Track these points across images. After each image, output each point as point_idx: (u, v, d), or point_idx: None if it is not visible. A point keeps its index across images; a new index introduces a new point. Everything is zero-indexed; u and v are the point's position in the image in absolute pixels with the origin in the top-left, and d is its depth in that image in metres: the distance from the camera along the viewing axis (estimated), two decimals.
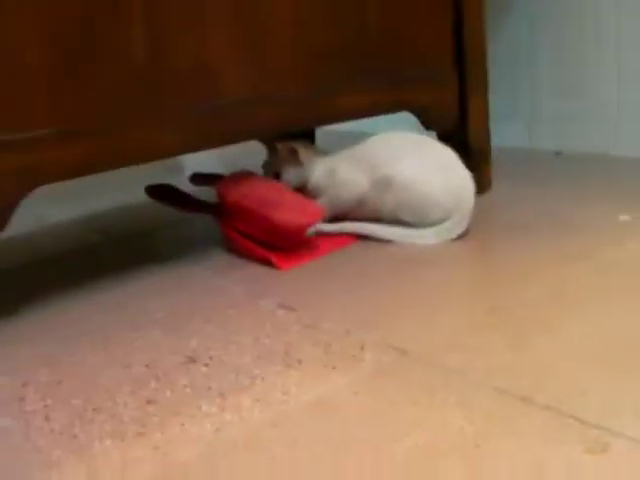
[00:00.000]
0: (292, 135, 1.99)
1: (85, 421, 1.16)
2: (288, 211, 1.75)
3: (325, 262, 1.75)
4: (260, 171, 1.99)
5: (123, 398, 1.21)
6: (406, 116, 2.09)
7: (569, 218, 1.88)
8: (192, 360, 1.32)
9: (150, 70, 1.65)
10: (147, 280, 1.74)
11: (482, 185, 2.00)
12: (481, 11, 2.21)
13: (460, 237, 1.79)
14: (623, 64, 2.43)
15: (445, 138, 2.05)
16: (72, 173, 1.59)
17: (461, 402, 1.10)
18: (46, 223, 2.43)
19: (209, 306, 1.55)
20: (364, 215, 1.87)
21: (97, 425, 1.14)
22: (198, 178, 2.06)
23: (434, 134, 2.12)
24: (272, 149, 1.98)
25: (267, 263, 1.74)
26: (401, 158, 1.84)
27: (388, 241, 1.80)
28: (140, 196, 2.02)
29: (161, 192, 2.01)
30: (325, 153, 1.96)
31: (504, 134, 2.55)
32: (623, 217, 1.82)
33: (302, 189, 1.90)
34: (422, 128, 2.11)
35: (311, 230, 1.80)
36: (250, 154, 2.43)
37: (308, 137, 2.19)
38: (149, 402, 1.19)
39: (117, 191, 2.66)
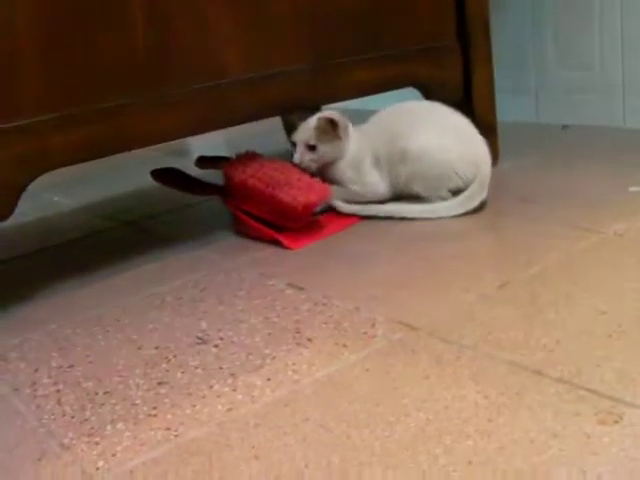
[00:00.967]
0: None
1: (97, 404, 1.16)
2: (295, 190, 1.75)
3: (333, 241, 1.75)
4: (266, 150, 1.98)
5: (135, 380, 1.22)
6: (409, 93, 2.08)
7: (578, 191, 1.87)
8: (203, 341, 1.32)
9: (151, 51, 1.64)
10: (156, 263, 1.74)
11: None
12: None
13: (471, 211, 1.78)
14: (628, 36, 2.41)
15: None
16: (76, 158, 1.59)
17: (473, 377, 1.09)
18: (57, 209, 2.43)
19: (219, 287, 1.55)
20: None
21: (109, 408, 1.15)
22: (204, 161, 2.05)
23: None
24: (302, 119, 1.91)
25: (276, 243, 1.73)
26: (415, 127, 1.84)
27: (402, 218, 1.80)
28: (147, 180, 2.01)
29: (167, 176, 2.01)
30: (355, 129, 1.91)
31: (510, 108, 2.55)
32: (633, 188, 1.81)
33: (329, 166, 1.87)
34: None
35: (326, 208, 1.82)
36: (255, 135, 2.43)
37: None
38: (160, 384, 1.19)
39: (124, 176, 2.66)
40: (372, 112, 1.95)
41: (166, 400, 1.14)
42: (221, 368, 1.21)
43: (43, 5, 1.50)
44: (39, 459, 1.05)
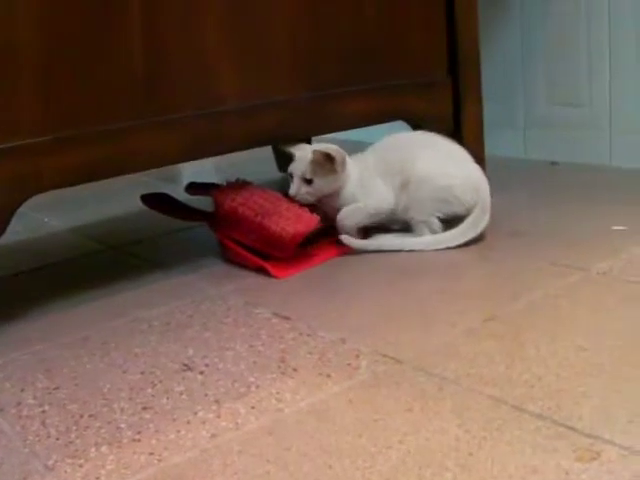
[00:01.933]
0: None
1: (81, 427, 1.17)
2: (283, 220, 1.76)
3: (320, 271, 1.76)
4: (255, 178, 2.00)
5: (120, 404, 1.22)
6: (398, 126, 2.10)
7: (563, 228, 1.89)
8: (188, 367, 1.32)
9: (149, 76, 1.66)
10: (144, 288, 1.75)
11: None
12: (475, 20, 2.22)
13: (456, 246, 1.80)
14: (616, 74, 2.44)
15: None
16: (69, 181, 1.60)
17: (455, 410, 1.11)
18: (47, 230, 2.43)
19: (205, 314, 1.56)
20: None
21: (93, 431, 1.15)
22: (194, 187, 2.06)
23: None
24: (298, 153, 1.88)
25: (262, 272, 1.75)
26: (417, 155, 1.85)
27: (389, 251, 1.82)
28: (137, 204, 2.02)
29: (157, 201, 2.02)
30: (351, 160, 1.90)
31: (499, 143, 2.57)
32: (617, 227, 1.83)
33: (329, 196, 1.86)
34: None
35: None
36: (245, 162, 2.45)
37: None
38: (145, 408, 1.20)
39: (114, 200, 2.67)
40: (359, 143, 1.96)
41: (150, 425, 1.15)
42: (206, 395, 1.22)
43: (42, 28, 1.51)
44: None
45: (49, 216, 2.57)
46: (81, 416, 1.20)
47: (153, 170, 1.80)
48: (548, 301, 1.47)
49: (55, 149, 1.55)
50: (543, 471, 0.95)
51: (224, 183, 1.94)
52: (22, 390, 1.31)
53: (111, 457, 1.08)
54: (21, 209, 1.54)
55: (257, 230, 1.77)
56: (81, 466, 1.06)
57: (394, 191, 1.84)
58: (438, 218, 1.83)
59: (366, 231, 1.89)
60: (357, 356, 1.30)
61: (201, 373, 1.30)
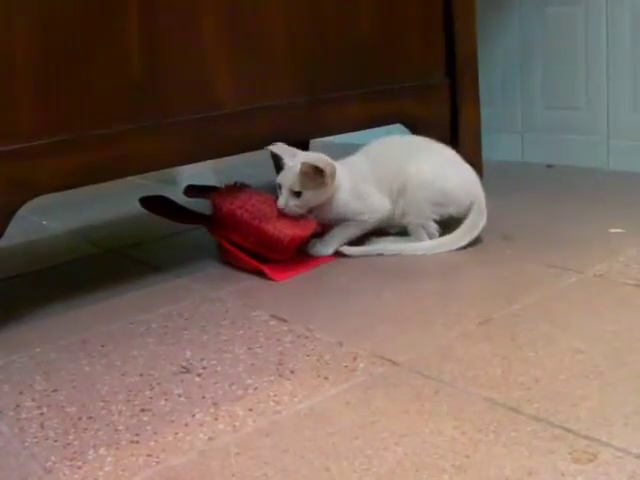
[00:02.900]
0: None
1: (80, 429, 1.17)
2: (281, 223, 1.77)
3: (318, 274, 1.77)
4: (253, 182, 2.00)
5: (118, 406, 1.23)
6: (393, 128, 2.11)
7: (560, 231, 1.89)
8: (186, 370, 1.33)
9: (146, 81, 1.67)
10: (142, 291, 1.75)
11: None
12: (473, 24, 2.23)
13: (452, 249, 1.81)
14: (614, 78, 2.45)
15: None
16: (68, 184, 1.60)
17: (452, 412, 1.11)
18: (45, 233, 2.44)
19: (203, 317, 1.57)
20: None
21: (92, 433, 1.16)
22: (192, 190, 2.06)
23: None
24: (289, 162, 1.84)
25: (260, 274, 1.75)
26: (412, 159, 1.86)
27: (390, 254, 1.83)
28: (135, 207, 2.03)
29: (155, 203, 2.02)
30: (342, 167, 1.86)
31: (496, 147, 2.58)
32: (614, 230, 1.83)
33: (320, 206, 1.83)
34: None
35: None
36: (243, 165, 2.45)
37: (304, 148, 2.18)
38: (143, 411, 1.21)
39: (113, 202, 2.68)
40: (357, 146, 1.96)
41: (148, 427, 1.16)
42: (204, 397, 1.23)
43: (39, 33, 1.52)
44: None
45: (47, 219, 2.57)
46: (79, 418, 1.21)
47: (151, 172, 1.80)
48: (544, 303, 1.48)
49: (53, 152, 1.56)
50: (539, 473, 0.95)
51: (222, 186, 1.95)
52: (21, 392, 1.32)
53: (109, 459, 1.08)
54: (19, 212, 1.55)
55: (255, 233, 1.77)
56: (79, 468, 1.07)
57: (391, 197, 1.84)
58: (435, 221, 1.83)
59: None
60: (354, 358, 1.31)
61: (199, 375, 1.31)
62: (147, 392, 1.27)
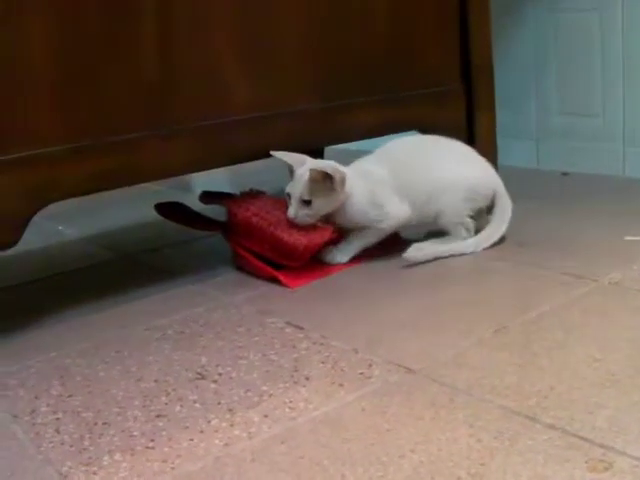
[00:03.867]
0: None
1: (95, 434, 1.18)
2: (297, 230, 1.77)
3: (333, 281, 1.77)
4: (269, 189, 2.00)
5: (133, 412, 1.23)
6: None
7: (575, 238, 1.89)
8: (202, 376, 1.33)
9: (162, 88, 1.67)
10: (157, 296, 1.76)
11: None
12: (488, 30, 2.23)
13: (466, 256, 1.81)
14: (630, 84, 2.44)
15: None
16: (84, 190, 1.61)
17: (467, 420, 1.11)
18: (60, 239, 2.45)
19: (218, 323, 1.57)
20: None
21: (107, 438, 1.16)
22: (207, 196, 2.07)
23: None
24: (298, 171, 1.82)
25: (276, 281, 1.75)
26: (433, 165, 1.87)
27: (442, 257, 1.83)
28: (150, 214, 2.03)
29: (170, 210, 2.03)
30: (355, 173, 1.85)
31: (511, 153, 2.57)
32: (629, 237, 1.83)
33: (333, 214, 1.82)
34: None
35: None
36: (258, 172, 2.45)
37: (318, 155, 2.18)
38: (159, 416, 1.21)
39: (128, 208, 2.68)
40: (370, 152, 1.96)
41: (164, 433, 1.16)
42: (219, 403, 1.23)
43: (58, 40, 1.53)
44: None
45: (63, 225, 2.58)
46: (95, 424, 1.21)
47: (166, 179, 1.81)
48: (559, 311, 1.48)
49: (70, 158, 1.57)
50: None
51: (238, 193, 1.95)
52: (36, 397, 1.32)
53: (124, 464, 1.09)
54: (35, 218, 1.56)
55: (270, 240, 1.78)
56: (95, 473, 1.07)
57: (415, 203, 1.84)
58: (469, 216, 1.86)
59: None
60: (370, 365, 1.31)
61: (214, 382, 1.31)
62: (162, 398, 1.27)
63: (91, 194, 1.63)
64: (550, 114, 2.68)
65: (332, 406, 1.19)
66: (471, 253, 1.83)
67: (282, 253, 1.77)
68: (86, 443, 1.16)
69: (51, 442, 1.17)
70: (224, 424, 1.17)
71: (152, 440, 1.14)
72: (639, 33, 2.40)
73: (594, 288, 1.57)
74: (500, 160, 2.27)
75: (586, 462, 0.98)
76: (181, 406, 1.24)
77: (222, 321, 1.58)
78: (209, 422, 1.18)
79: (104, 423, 1.21)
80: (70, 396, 1.32)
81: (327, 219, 1.83)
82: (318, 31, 1.91)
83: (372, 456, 1.04)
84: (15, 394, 1.35)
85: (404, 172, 1.86)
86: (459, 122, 2.22)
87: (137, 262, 2.10)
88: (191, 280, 1.85)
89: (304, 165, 1.81)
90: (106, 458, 1.11)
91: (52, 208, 1.59)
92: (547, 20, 2.63)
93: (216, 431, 1.15)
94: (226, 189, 2.14)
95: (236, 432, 1.14)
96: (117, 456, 1.11)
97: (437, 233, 1.88)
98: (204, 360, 1.40)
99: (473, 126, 2.24)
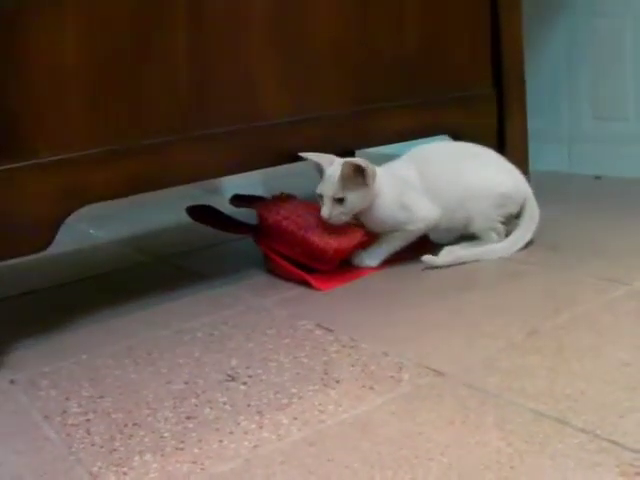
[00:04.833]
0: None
1: (125, 435, 1.18)
2: (327, 234, 1.77)
3: (363, 284, 1.77)
4: (299, 192, 2.00)
5: (163, 413, 1.24)
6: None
7: (608, 242, 1.88)
8: (232, 378, 1.33)
9: (194, 91, 1.68)
10: (188, 298, 1.77)
11: None
12: (519, 34, 2.23)
13: (498, 260, 1.80)
14: None
15: None
16: (116, 193, 1.62)
17: (497, 424, 1.10)
18: (92, 242, 2.46)
19: (249, 325, 1.57)
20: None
21: (137, 439, 1.17)
22: (238, 200, 2.08)
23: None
24: (328, 170, 1.82)
25: (306, 284, 1.75)
26: (463, 170, 1.86)
27: (470, 261, 1.83)
28: (181, 216, 2.04)
29: (202, 213, 2.04)
30: (384, 173, 1.84)
31: (543, 157, 2.56)
32: None
33: (364, 215, 1.82)
34: None
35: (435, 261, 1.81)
36: (289, 175, 2.46)
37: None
38: (189, 418, 1.21)
39: (159, 211, 2.70)
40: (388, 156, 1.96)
41: (194, 434, 1.16)
42: (249, 405, 1.23)
43: (92, 44, 1.54)
44: None
45: (95, 227, 2.60)
46: (125, 425, 1.22)
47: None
48: (591, 315, 1.47)
49: (103, 162, 1.58)
50: None
51: (269, 196, 1.95)
52: (67, 398, 1.33)
53: (155, 465, 1.09)
54: (67, 220, 1.56)
55: (301, 244, 1.78)
56: (125, 474, 1.08)
57: (445, 207, 1.83)
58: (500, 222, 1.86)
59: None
60: (400, 368, 1.31)
61: (244, 384, 1.31)
62: (192, 400, 1.27)
63: (123, 197, 1.64)
64: (582, 118, 2.67)
65: (362, 409, 1.19)
66: (501, 257, 1.82)
67: (312, 256, 1.78)
68: (116, 444, 1.16)
69: (82, 443, 1.18)
70: (253, 426, 1.17)
71: (182, 441, 1.15)
72: None
73: (626, 292, 1.56)
74: (532, 164, 2.27)
75: (617, 466, 0.97)
76: (211, 408, 1.24)
77: (252, 323, 1.58)
78: (238, 424, 1.18)
79: (134, 424, 1.21)
80: (101, 397, 1.32)
81: (357, 222, 1.82)
82: (349, 37, 1.91)
83: (402, 459, 1.04)
84: (47, 395, 1.36)
85: (433, 175, 1.85)
86: (490, 127, 2.21)
87: (168, 264, 2.11)
88: (221, 282, 1.85)
89: (333, 164, 1.80)
90: (136, 459, 1.11)
91: (84, 210, 1.60)
92: (579, 25, 2.62)
93: (245, 433, 1.15)
94: (255, 192, 2.15)
95: (265, 434, 1.14)
96: (147, 457, 1.12)
97: (467, 237, 1.87)
98: (234, 362, 1.40)
99: (504, 130, 2.23)
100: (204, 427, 1.18)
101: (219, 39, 1.70)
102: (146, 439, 1.17)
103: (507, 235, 1.87)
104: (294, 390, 1.27)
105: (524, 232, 1.87)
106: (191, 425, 1.19)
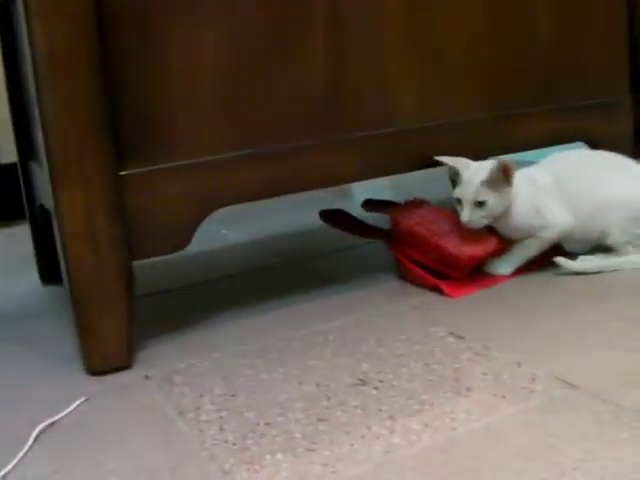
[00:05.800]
0: None
1: (257, 434, 1.20)
2: (461, 241, 1.76)
3: (495, 292, 1.75)
4: (431, 198, 2.00)
5: (295, 414, 1.25)
6: None
7: None
8: (363, 382, 1.34)
9: (328, 96, 1.69)
10: (319, 301, 1.78)
11: None
12: None
13: (634, 271, 1.76)
14: None
15: None
16: (251, 196, 1.64)
17: (633, 439, 1.08)
18: (224, 243, 2.50)
19: (380, 330, 1.57)
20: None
21: (269, 439, 1.18)
22: (370, 204, 2.08)
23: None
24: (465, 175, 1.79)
25: (438, 291, 1.75)
26: (605, 181, 1.83)
27: (610, 271, 1.79)
28: (312, 220, 2.06)
29: (335, 217, 2.05)
30: (520, 178, 1.80)
31: None
32: None
33: (500, 218, 1.79)
34: None
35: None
36: (420, 181, 2.45)
37: None
38: (320, 420, 1.22)
39: (291, 214, 2.72)
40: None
41: (325, 436, 1.17)
42: (380, 410, 1.24)
43: (229, 48, 1.57)
44: None
45: (227, 228, 2.64)
46: (257, 424, 1.23)
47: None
48: None
49: (238, 165, 1.60)
50: None
51: (401, 202, 1.95)
52: (201, 395, 1.36)
53: (286, 465, 1.10)
54: None
55: (433, 250, 1.77)
56: (257, 472, 1.09)
57: (579, 216, 1.80)
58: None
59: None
60: (533, 379, 1.29)
61: (375, 388, 1.31)
62: (324, 402, 1.28)
63: (257, 200, 1.66)
64: None
65: (493, 418, 1.18)
66: (607, 276, 1.77)
67: (445, 263, 1.77)
68: (248, 442, 1.18)
69: (214, 439, 1.20)
70: (384, 431, 1.17)
71: (313, 443, 1.16)
72: None
73: None
74: None
75: None
76: (342, 411, 1.25)
77: (383, 328, 1.58)
78: (370, 428, 1.18)
79: (266, 424, 1.23)
80: (233, 396, 1.34)
81: (491, 229, 1.81)
82: (484, 40, 1.89)
83: (532, 472, 1.03)
84: (181, 391, 1.39)
85: (570, 182, 1.82)
86: (628, 133, 2.17)
87: (300, 267, 2.13)
88: (353, 286, 1.86)
89: (468, 168, 1.79)
90: (268, 457, 1.13)
91: (217, 212, 1.63)
92: None
93: (377, 437, 1.15)
94: (383, 197, 2.15)
95: (396, 440, 1.14)
96: (279, 456, 1.13)
97: (602, 248, 1.83)
98: (365, 366, 1.41)
99: None
100: (335, 430, 1.19)
101: (355, 43, 1.71)
102: (278, 439, 1.18)
103: None
104: (425, 396, 1.27)
105: None
106: (322, 427, 1.20)
